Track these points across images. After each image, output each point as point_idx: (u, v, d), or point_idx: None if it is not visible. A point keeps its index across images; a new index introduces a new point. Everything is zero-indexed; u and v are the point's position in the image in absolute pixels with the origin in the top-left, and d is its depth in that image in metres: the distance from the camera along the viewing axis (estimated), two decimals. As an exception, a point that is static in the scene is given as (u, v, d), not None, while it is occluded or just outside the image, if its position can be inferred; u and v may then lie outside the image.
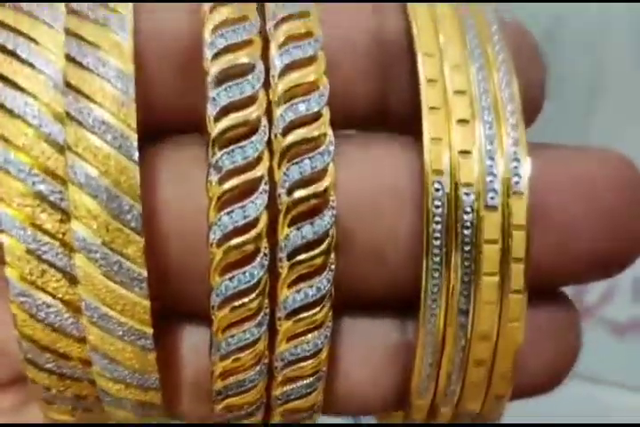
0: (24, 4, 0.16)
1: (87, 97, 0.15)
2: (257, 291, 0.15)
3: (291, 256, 0.15)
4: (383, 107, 0.17)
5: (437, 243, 0.16)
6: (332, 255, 0.15)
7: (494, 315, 0.16)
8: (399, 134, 0.17)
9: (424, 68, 0.16)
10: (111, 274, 0.15)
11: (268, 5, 0.16)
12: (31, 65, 0.15)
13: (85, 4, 0.16)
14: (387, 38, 0.17)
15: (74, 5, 0.16)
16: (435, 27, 0.17)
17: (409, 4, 0.17)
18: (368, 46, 0.17)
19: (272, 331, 0.16)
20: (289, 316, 0.16)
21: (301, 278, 0.15)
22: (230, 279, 0.15)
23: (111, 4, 0.16)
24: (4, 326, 0.16)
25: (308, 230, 0.15)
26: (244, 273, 0.15)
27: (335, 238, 0.15)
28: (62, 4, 0.16)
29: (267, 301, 0.15)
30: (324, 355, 0.16)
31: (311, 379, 0.16)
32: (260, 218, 0.15)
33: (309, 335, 0.16)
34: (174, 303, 0.16)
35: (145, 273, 0.15)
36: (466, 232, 0.16)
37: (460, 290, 0.16)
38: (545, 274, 0.16)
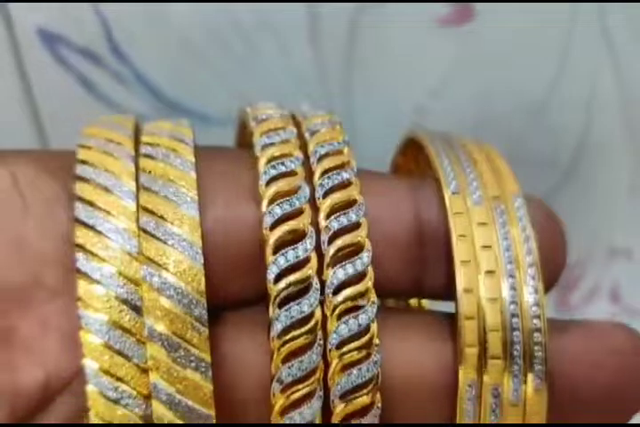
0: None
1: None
2: None
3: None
4: (418, 287, 0.19)
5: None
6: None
7: None
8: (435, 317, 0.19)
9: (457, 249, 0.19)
10: None
11: (321, 220, 0.18)
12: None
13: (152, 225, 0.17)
14: (425, 230, 0.19)
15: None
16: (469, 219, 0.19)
17: (447, 197, 0.19)
18: (408, 241, 0.19)
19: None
20: None
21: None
22: None
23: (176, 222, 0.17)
24: None
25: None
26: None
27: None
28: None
29: None
30: None
31: None
32: None
33: None
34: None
35: None
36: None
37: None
38: None
